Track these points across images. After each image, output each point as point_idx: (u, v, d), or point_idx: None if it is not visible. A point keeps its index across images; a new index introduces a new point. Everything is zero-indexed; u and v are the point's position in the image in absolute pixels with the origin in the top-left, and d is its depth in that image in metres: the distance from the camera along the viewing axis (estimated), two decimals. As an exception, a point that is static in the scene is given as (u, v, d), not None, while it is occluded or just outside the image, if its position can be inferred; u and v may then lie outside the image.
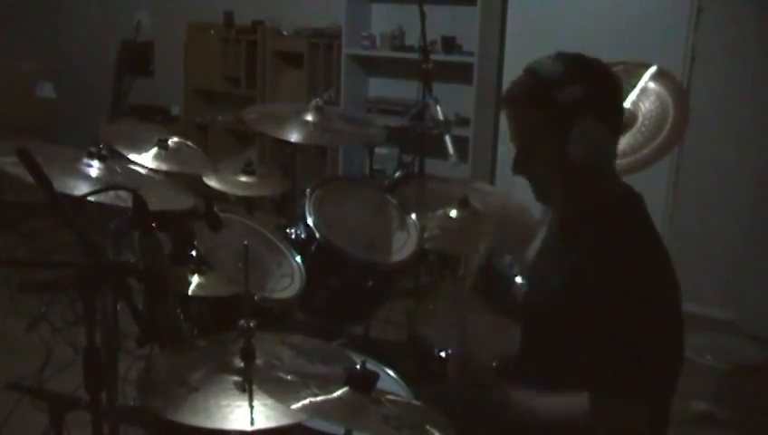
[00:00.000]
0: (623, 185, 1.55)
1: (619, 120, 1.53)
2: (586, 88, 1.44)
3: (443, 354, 2.08)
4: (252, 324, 1.37)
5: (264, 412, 1.27)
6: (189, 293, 1.87)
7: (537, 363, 1.61)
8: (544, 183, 1.55)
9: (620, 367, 1.39)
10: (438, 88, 2.68)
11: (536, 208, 2.48)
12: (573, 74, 1.46)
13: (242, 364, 1.37)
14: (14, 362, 2.66)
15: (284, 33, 4.86)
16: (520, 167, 1.54)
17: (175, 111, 5.27)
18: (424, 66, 2.66)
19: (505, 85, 4.31)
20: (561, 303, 1.50)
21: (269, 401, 1.29)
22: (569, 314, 1.47)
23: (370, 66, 4.79)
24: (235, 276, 1.77)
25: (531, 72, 1.49)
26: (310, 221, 2.28)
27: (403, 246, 2.36)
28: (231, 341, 1.42)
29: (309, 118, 2.60)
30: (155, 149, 2.30)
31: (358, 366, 1.33)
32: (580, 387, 1.42)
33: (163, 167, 2.27)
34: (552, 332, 1.54)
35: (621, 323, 1.39)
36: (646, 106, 2.30)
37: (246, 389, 1.32)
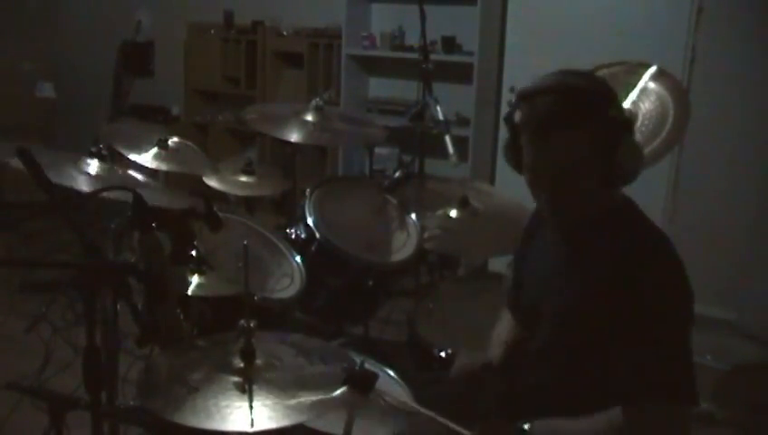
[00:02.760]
0: (619, 194, 1.54)
1: None
2: (623, 103, 1.46)
3: (443, 354, 2.08)
4: (252, 324, 1.37)
5: (263, 412, 1.27)
6: (189, 293, 1.87)
7: (557, 374, 1.58)
8: (575, 201, 1.49)
9: (664, 370, 1.37)
10: (438, 88, 2.68)
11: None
12: (612, 90, 1.44)
13: (242, 364, 1.37)
14: (14, 362, 2.65)
15: (284, 33, 4.86)
16: (558, 190, 1.47)
17: (175, 111, 5.27)
18: (424, 66, 2.66)
19: (506, 85, 4.27)
20: (581, 314, 1.48)
21: (269, 402, 1.29)
22: (592, 324, 1.45)
23: (370, 66, 4.79)
24: (235, 276, 1.77)
25: (568, 91, 1.41)
26: (310, 221, 2.28)
27: (403, 246, 2.36)
28: (231, 341, 1.42)
29: (309, 118, 2.60)
30: (155, 149, 2.31)
31: (357, 366, 1.33)
32: (609, 397, 1.40)
33: (163, 167, 2.27)
34: (574, 342, 1.52)
35: (654, 327, 1.38)
36: (646, 106, 2.29)
37: (246, 389, 1.32)
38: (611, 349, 1.42)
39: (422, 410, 1.44)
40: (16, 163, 1.47)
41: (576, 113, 1.40)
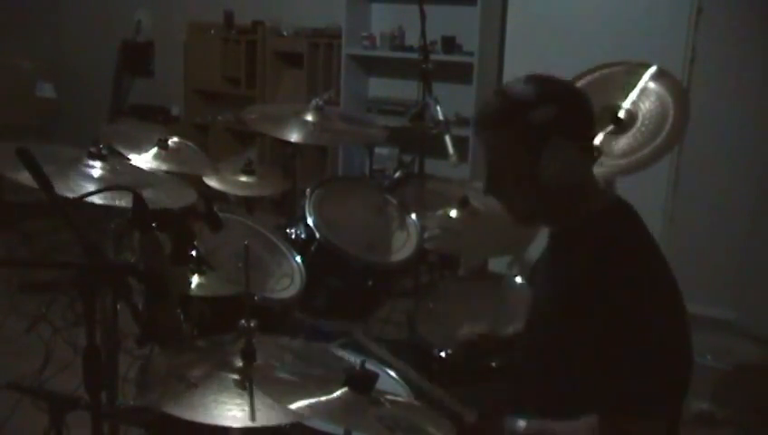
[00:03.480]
0: (609, 197, 1.54)
1: (590, 138, 1.52)
2: (558, 108, 1.43)
3: (443, 354, 2.08)
4: (252, 324, 1.37)
5: (263, 411, 1.27)
6: (189, 293, 1.86)
7: (535, 374, 1.60)
8: (516, 204, 1.55)
9: (631, 383, 1.37)
10: (438, 88, 2.68)
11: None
12: (545, 95, 1.45)
13: (242, 364, 1.37)
14: (14, 362, 2.66)
15: (284, 33, 4.86)
16: (490, 187, 1.55)
17: (175, 111, 5.27)
18: (424, 66, 2.66)
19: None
20: (553, 316, 1.49)
21: (269, 401, 1.29)
22: (562, 328, 1.46)
23: (370, 66, 4.79)
24: (235, 276, 1.77)
25: (501, 94, 1.49)
26: (310, 221, 2.28)
27: (403, 246, 2.36)
28: (231, 341, 1.42)
29: (309, 118, 2.60)
30: (155, 149, 2.30)
31: (357, 367, 1.33)
32: (580, 402, 1.40)
33: (163, 167, 2.27)
34: (547, 347, 1.53)
35: (616, 337, 1.37)
36: (646, 106, 2.29)
37: (246, 388, 1.32)
38: (572, 360, 1.43)
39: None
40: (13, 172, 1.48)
41: (494, 117, 1.49)
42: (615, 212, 1.50)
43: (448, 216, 2.45)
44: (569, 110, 1.46)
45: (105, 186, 1.72)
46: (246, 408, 1.28)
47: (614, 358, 1.37)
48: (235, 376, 1.35)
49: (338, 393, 1.30)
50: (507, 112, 1.46)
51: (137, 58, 4.60)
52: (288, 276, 2.17)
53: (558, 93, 1.47)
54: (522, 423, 1.47)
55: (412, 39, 4.37)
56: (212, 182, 2.61)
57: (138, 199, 1.51)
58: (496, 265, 3.94)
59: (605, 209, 1.50)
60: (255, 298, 1.90)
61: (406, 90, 4.37)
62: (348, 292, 2.35)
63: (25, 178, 1.41)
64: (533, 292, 1.70)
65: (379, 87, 4.80)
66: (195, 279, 1.88)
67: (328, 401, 1.28)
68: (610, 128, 2.24)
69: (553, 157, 1.43)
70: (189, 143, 2.52)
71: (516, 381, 1.68)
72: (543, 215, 1.56)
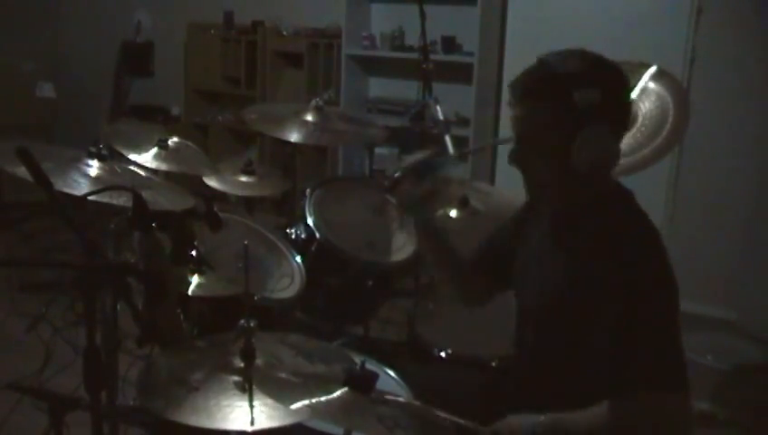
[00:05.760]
0: (612, 182, 1.53)
1: (625, 127, 1.51)
2: (603, 93, 1.39)
3: (443, 354, 2.08)
4: (252, 324, 1.37)
5: (264, 412, 1.27)
6: (189, 293, 1.86)
7: (543, 365, 1.59)
8: (538, 179, 1.52)
9: (650, 359, 1.36)
10: (438, 88, 2.68)
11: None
12: (593, 76, 1.41)
13: (242, 364, 1.37)
14: (14, 362, 2.66)
15: (284, 33, 4.86)
16: (517, 158, 1.50)
17: (175, 111, 5.27)
18: (424, 66, 2.66)
19: (506, 84, 4.31)
20: (564, 304, 1.48)
21: (269, 401, 1.29)
22: (575, 314, 1.46)
23: (370, 66, 4.79)
24: (235, 276, 1.77)
25: (547, 65, 1.43)
26: (310, 221, 2.28)
27: (403, 246, 2.36)
28: (231, 341, 1.42)
29: (309, 118, 2.59)
30: (155, 149, 2.30)
31: (357, 367, 1.33)
32: (596, 385, 1.40)
33: (163, 167, 2.27)
34: (558, 334, 1.53)
35: (633, 315, 1.37)
36: (646, 106, 2.29)
37: (246, 389, 1.32)
38: (596, 341, 1.42)
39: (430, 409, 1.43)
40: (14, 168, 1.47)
41: (537, 87, 1.44)
42: (619, 195, 1.51)
43: (448, 216, 2.45)
44: (612, 96, 1.42)
45: (105, 186, 1.71)
46: (248, 410, 1.28)
47: (637, 331, 1.37)
48: (236, 378, 1.35)
49: (338, 393, 1.30)
50: (552, 86, 1.41)
51: (137, 58, 4.61)
52: (288, 276, 2.17)
53: (605, 77, 1.43)
54: (537, 418, 1.45)
55: (412, 39, 4.36)
56: (212, 182, 2.61)
57: (138, 199, 1.51)
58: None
59: (610, 192, 1.51)
60: (255, 298, 1.90)
61: (406, 90, 4.37)
62: (348, 292, 2.35)
63: (26, 173, 1.41)
64: (532, 283, 1.68)
65: (379, 87, 4.80)
66: (195, 279, 1.88)
67: (328, 401, 1.28)
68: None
69: (589, 141, 1.40)
70: (189, 143, 2.52)
71: (521, 377, 1.67)
72: (559, 191, 1.52)
